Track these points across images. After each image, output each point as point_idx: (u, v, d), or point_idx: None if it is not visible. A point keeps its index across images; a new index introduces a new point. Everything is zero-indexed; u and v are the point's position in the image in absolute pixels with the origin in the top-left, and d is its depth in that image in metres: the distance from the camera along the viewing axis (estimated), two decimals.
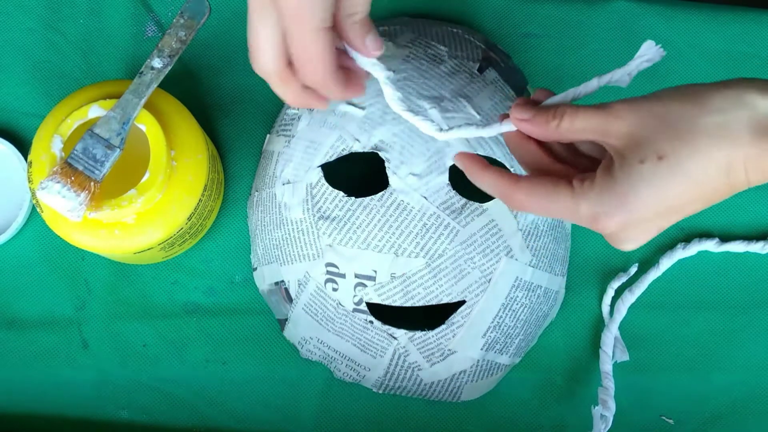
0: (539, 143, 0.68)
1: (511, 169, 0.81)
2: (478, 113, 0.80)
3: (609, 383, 0.87)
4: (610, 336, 0.88)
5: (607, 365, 0.87)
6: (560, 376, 0.90)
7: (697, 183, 0.61)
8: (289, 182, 0.82)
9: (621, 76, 0.70)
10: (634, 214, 0.62)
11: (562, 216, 0.65)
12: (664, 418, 0.90)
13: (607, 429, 0.85)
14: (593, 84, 0.70)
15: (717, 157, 0.61)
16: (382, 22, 0.89)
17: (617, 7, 0.92)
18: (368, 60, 0.68)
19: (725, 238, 0.91)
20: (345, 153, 0.80)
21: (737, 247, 0.90)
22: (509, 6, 0.93)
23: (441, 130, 0.68)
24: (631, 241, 0.64)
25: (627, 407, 0.89)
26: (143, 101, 0.76)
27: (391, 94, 0.68)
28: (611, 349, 0.88)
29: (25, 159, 0.88)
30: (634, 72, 0.69)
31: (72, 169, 0.74)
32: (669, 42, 0.92)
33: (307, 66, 0.66)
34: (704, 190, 0.62)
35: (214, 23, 0.91)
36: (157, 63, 0.77)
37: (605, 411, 0.85)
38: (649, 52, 0.69)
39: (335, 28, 0.67)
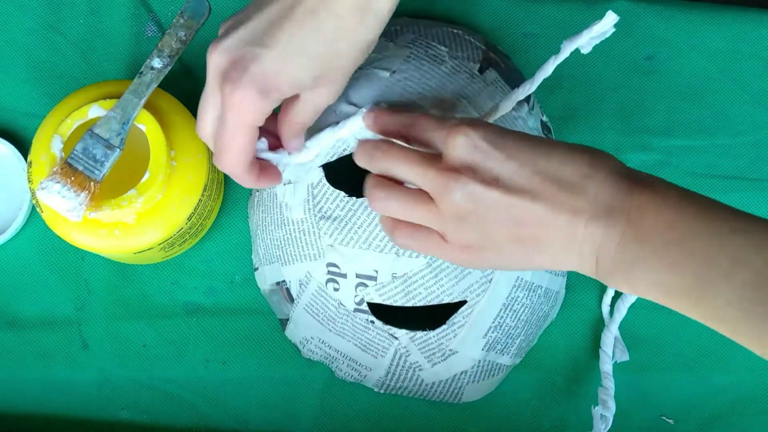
0: None
1: None
2: (479, 114, 0.80)
3: (609, 383, 0.87)
4: (610, 336, 0.88)
5: (607, 365, 0.87)
6: (560, 376, 0.90)
7: None
8: (290, 182, 0.82)
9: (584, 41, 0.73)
10: None
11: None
12: (664, 418, 0.90)
13: (607, 429, 0.85)
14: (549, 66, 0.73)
15: None
16: None
17: (617, 7, 0.92)
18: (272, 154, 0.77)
19: None
20: (346, 153, 0.80)
21: None
22: (509, 6, 0.93)
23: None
24: None
25: (627, 407, 0.89)
26: (143, 101, 0.76)
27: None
28: (611, 349, 0.88)
29: (25, 159, 0.88)
30: (594, 40, 0.72)
31: (72, 169, 0.74)
32: (669, 42, 0.93)
33: (224, 155, 0.72)
34: None
35: (214, 23, 0.91)
36: (157, 63, 0.77)
37: (605, 411, 0.85)
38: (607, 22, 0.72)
39: (271, 121, 0.74)
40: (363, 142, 0.72)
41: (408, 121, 0.72)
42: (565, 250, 0.64)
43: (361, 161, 0.72)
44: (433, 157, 0.67)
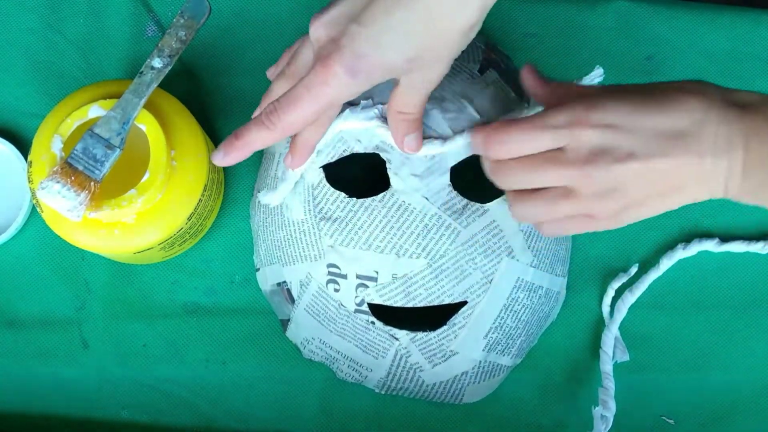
0: None
1: None
2: (479, 114, 0.80)
3: (609, 383, 0.87)
4: (611, 336, 0.88)
5: (607, 365, 0.87)
6: (560, 376, 0.90)
7: None
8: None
9: None
10: None
11: None
12: (664, 418, 0.90)
13: (607, 429, 0.85)
14: None
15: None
16: None
17: (617, 7, 0.92)
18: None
19: (725, 238, 0.91)
20: (346, 154, 0.80)
21: (737, 247, 0.90)
22: (509, 6, 0.93)
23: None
24: None
25: (627, 407, 0.89)
26: (143, 101, 0.76)
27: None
28: (611, 349, 0.88)
29: (25, 159, 0.88)
30: None
31: (72, 169, 0.74)
32: (669, 42, 0.93)
33: (291, 109, 0.70)
34: None
35: (214, 23, 0.91)
36: (157, 63, 0.77)
37: (605, 411, 0.85)
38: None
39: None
40: (496, 164, 0.73)
41: (490, 136, 0.73)
42: (696, 187, 0.70)
43: (498, 182, 0.74)
44: (556, 155, 0.70)
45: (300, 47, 0.75)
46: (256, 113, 0.77)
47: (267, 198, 0.84)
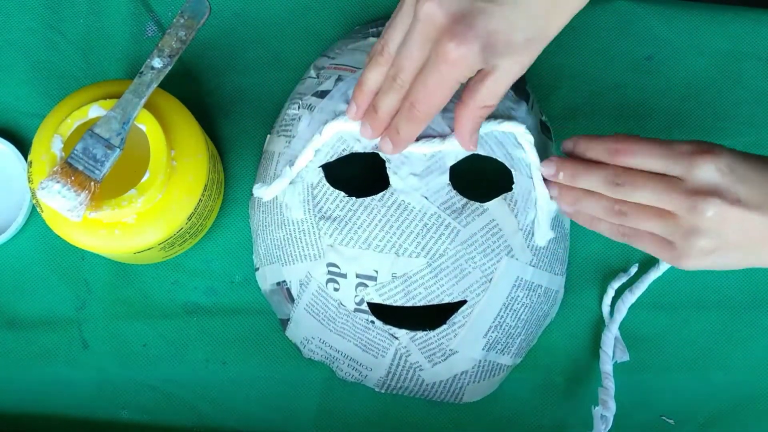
0: None
1: (512, 170, 0.81)
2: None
3: (609, 383, 0.87)
4: (611, 336, 0.88)
5: (607, 365, 0.87)
6: (560, 376, 0.90)
7: None
8: (290, 182, 0.82)
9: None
10: None
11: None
12: (664, 418, 0.90)
13: (607, 429, 0.85)
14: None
15: None
16: (383, 21, 0.89)
17: (617, 7, 0.92)
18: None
19: None
20: (346, 153, 0.80)
21: None
22: None
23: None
24: None
25: (627, 407, 0.89)
26: (143, 101, 0.76)
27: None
28: (611, 349, 0.88)
29: (25, 159, 0.88)
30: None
31: (72, 169, 0.74)
32: (669, 42, 0.92)
33: (425, 101, 0.72)
34: None
35: (214, 23, 0.91)
36: (157, 63, 0.77)
37: (605, 411, 0.85)
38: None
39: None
40: (594, 171, 0.75)
41: (619, 145, 0.75)
42: None
43: (592, 186, 0.76)
44: (674, 180, 0.73)
45: (390, 32, 0.74)
46: (352, 108, 0.78)
47: (260, 191, 0.84)
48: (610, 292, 0.90)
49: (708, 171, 0.72)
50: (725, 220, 0.71)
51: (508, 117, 0.81)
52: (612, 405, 0.85)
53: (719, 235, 0.72)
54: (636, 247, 0.76)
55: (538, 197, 0.81)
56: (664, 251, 0.74)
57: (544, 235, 0.82)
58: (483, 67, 0.71)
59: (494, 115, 0.80)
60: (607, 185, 0.75)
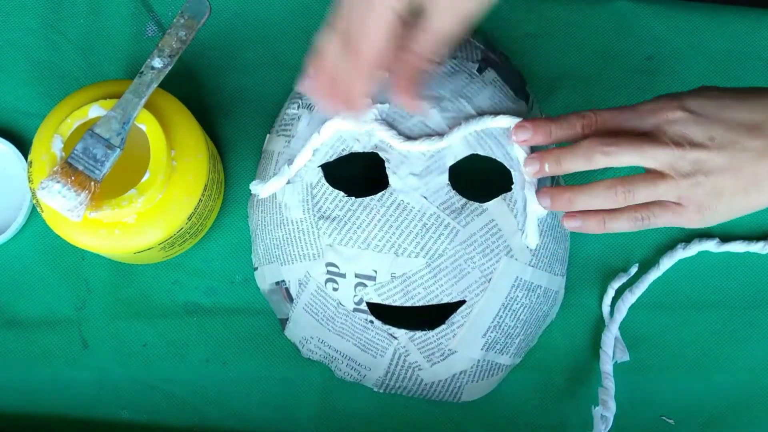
0: None
1: (511, 170, 0.81)
2: (478, 114, 0.80)
3: (609, 383, 0.87)
4: (611, 336, 0.88)
5: (607, 365, 0.87)
6: (560, 376, 0.90)
7: None
8: (289, 182, 0.82)
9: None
10: None
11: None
12: (664, 418, 0.90)
13: (607, 429, 0.85)
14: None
15: None
16: None
17: (617, 7, 0.92)
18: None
19: (725, 238, 0.90)
20: (345, 153, 0.80)
21: (737, 247, 0.90)
22: (509, 6, 0.93)
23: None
24: None
25: (627, 407, 0.89)
26: (143, 101, 0.76)
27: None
28: (611, 349, 0.88)
29: (25, 159, 0.88)
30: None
31: (72, 169, 0.74)
32: (669, 42, 0.92)
33: (363, 39, 0.69)
34: None
35: (214, 23, 0.91)
36: (157, 63, 0.77)
37: (605, 411, 0.85)
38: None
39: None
40: (576, 147, 0.76)
41: (587, 120, 0.76)
42: None
43: (578, 164, 0.76)
44: (648, 138, 0.74)
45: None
46: (306, 83, 0.75)
47: (257, 188, 0.84)
48: (610, 292, 0.90)
49: (677, 118, 0.73)
50: (710, 163, 0.72)
51: (506, 112, 0.81)
52: (612, 405, 0.85)
53: (710, 179, 0.73)
54: (656, 226, 0.76)
55: (527, 201, 0.81)
56: (679, 216, 0.75)
57: (533, 239, 0.82)
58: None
59: (491, 111, 0.80)
60: (594, 154, 0.75)
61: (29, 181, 0.78)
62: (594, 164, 0.75)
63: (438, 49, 0.71)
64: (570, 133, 0.77)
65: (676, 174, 0.73)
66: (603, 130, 0.76)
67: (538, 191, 0.80)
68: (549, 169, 0.77)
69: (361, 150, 0.80)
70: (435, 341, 0.82)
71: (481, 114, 0.80)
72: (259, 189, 0.84)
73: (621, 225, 0.77)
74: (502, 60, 0.87)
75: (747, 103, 0.74)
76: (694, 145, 0.73)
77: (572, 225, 0.78)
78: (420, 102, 0.75)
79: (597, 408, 0.85)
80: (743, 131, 0.73)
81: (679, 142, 0.73)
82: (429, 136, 0.79)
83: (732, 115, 0.73)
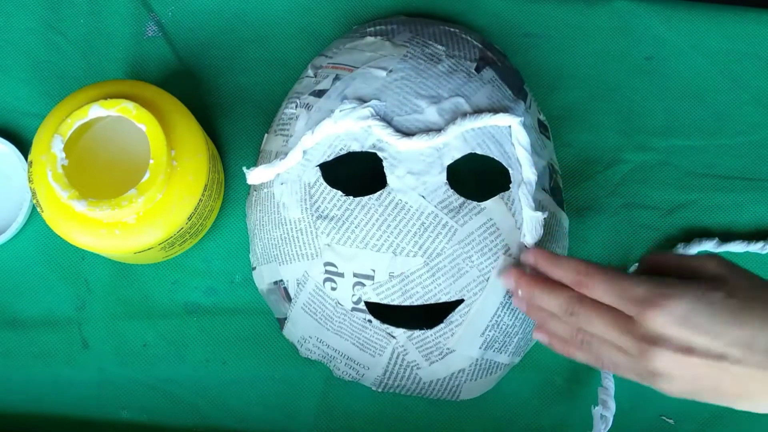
0: None
1: (509, 169, 0.81)
2: (476, 112, 0.80)
3: (609, 383, 0.87)
4: None
5: None
6: (560, 376, 0.90)
7: None
8: (283, 183, 0.82)
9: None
10: None
11: None
12: (664, 418, 0.90)
13: (607, 429, 0.85)
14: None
15: None
16: (381, 21, 0.89)
17: (617, 7, 0.92)
18: None
19: (725, 238, 0.90)
20: (343, 152, 0.80)
21: (737, 247, 0.90)
22: (509, 6, 0.93)
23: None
24: None
25: (627, 407, 0.89)
26: None
27: None
28: None
29: (25, 159, 0.88)
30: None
31: None
32: (669, 42, 0.93)
33: None
34: None
35: (214, 23, 0.92)
36: None
37: (605, 411, 0.85)
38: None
39: None
40: (557, 295, 0.75)
41: (581, 275, 0.74)
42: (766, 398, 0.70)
43: (554, 310, 0.75)
44: (626, 319, 0.71)
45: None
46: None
47: (247, 172, 0.84)
48: None
49: (657, 322, 0.69)
50: (679, 367, 0.69)
51: (504, 111, 0.81)
52: (612, 405, 0.85)
53: (680, 380, 0.69)
54: (603, 365, 0.74)
55: (523, 202, 0.81)
56: (633, 364, 0.72)
57: (531, 238, 0.82)
58: None
59: (489, 110, 0.80)
60: (562, 313, 0.74)
61: (29, 181, 0.78)
62: (563, 318, 0.75)
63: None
64: (551, 304, 0.76)
65: (638, 362, 0.70)
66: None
67: (505, 272, 0.80)
68: (521, 295, 0.78)
69: (358, 149, 0.80)
70: (433, 340, 0.82)
71: (478, 113, 0.80)
72: (249, 174, 0.84)
73: (582, 359, 0.76)
74: (500, 59, 0.87)
75: (749, 327, 0.69)
76: (664, 348, 0.69)
77: (541, 339, 0.78)
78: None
79: (597, 408, 0.85)
80: (752, 352, 0.68)
81: (651, 340, 0.69)
82: (425, 131, 0.79)
83: (740, 335, 0.68)
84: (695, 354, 0.68)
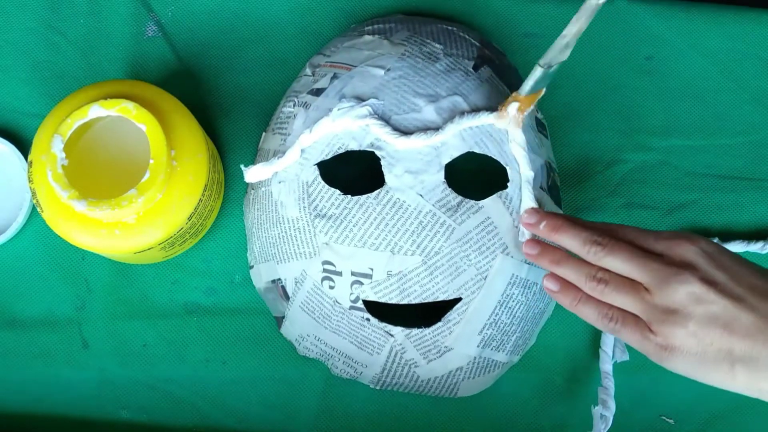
0: None
1: (506, 167, 0.81)
2: (473, 111, 0.80)
3: (609, 383, 0.87)
4: (610, 336, 0.88)
5: (607, 365, 0.87)
6: (560, 376, 0.90)
7: None
8: (281, 182, 0.82)
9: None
10: None
11: None
12: (664, 418, 0.90)
13: (607, 429, 0.84)
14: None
15: None
16: (379, 20, 0.89)
17: (617, 7, 0.92)
18: None
19: (725, 238, 0.90)
20: (341, 151, 0.80)
21: (737, 247, 0.90)
22: (509, 6, 0.93)
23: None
24: None
25: (627, 407, 0.89)
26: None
27: None
28: (611, 348, 0.88)
29: (25, 159, 0.88)
30: None
31: None
32: (669, 42, 0.93)
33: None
34: None
35: (214, 23, 0.92)
36: None
37: (605, 411, 0.85)
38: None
39: None
40: (584, 238, 0.75)
41: (609, 229, 0.75)
42: None
43: (579, 246, 0.75)
44: (650, 253, 0.72)
45: None
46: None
47: (245, 169, 0.84)
48: None
49: (686, 246, 0.70)
50: (697, 301, 0.69)
51: None
52: (612, 405, 0.85)
53: (690, 324, 0.69)
54: (620, 337, 0.74)
55: (522, 201, 0.81)
56: (645, 341, 0.72)
57: (529, 236, 0.82)
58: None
59: (487, 108, 0.80)
60: (588, 245, 0.74)
61: (29, 181, 0.78)
62: (586, 254, 0.75)
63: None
64: (575, 237, 0.76)
65: (658, 297, 0.70)
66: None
67: (528, 240, 0.80)
68: (544, 229, 0.78)
69: (356, 148, 0.80)
70: (431, 338, 0.82)
71: (476, 111, 0.80)
72: (246, 172, 0.84)
73: (588, 314, 0.75)
74: (498, 56, 0.87)
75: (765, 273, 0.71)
76: (691, 275, 0.69)
77: (550, 287, 0.77)
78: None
79: (596, 407, 0.85)
80: (753, 295, 0.69)
81: (678, 264, 0.70)
82: (422, 130, 0.79)
83: (759, 283, 0.70)
84: (717, 288, 0.69)
